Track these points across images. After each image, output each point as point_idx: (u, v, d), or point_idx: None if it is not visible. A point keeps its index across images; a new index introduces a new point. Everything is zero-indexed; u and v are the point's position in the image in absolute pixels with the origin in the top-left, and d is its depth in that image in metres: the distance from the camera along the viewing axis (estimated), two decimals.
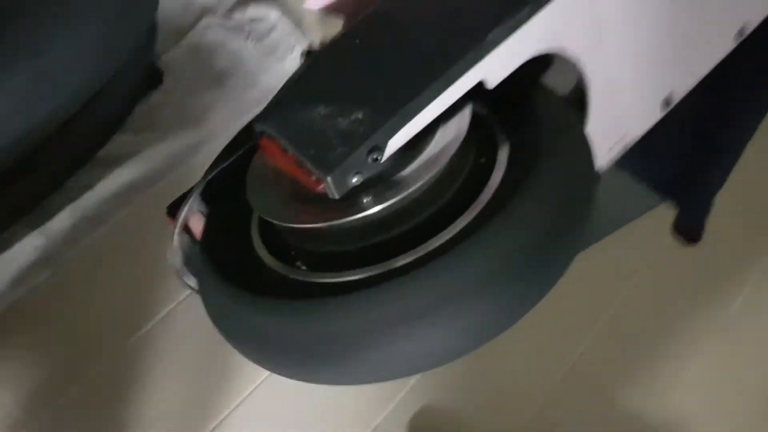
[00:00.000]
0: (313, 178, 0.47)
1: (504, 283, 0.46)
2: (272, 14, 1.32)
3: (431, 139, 0.52)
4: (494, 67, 0.51)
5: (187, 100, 1.20)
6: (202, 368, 1.04)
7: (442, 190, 0.52)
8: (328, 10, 0.57)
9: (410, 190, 0.49)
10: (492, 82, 0.51)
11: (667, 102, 0.70)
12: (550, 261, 0.49)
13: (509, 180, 0.51)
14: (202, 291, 0.58)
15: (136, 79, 1.15)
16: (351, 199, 0.49)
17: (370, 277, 0.48)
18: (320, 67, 0.52)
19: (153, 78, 1.21)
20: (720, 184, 0.86)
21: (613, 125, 0.66)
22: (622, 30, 0.61)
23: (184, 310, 1.07)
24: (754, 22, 0.76)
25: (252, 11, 1.32)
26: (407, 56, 0.50)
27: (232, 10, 1.32)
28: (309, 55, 0.56)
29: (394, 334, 0.45)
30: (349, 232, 0.51)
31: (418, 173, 0.50)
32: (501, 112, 0.56)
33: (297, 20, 1.35)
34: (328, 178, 0.46)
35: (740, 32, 0.75)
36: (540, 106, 0.55)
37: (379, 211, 0.49)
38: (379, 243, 0.51)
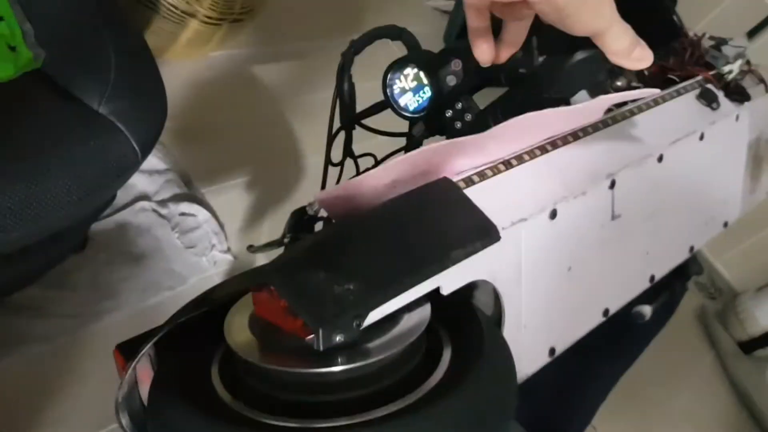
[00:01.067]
0: (304, 327, 0.56)
1: None
2: (201, 214, 1.45)
3: (396, 324, 0.63)
4: (450, 279, 0.65)
5: (103, 270, 1.24)
6: None
7: (396, 369, 0.62)
8: (325, 207, 0.71)
9: (374, 359, 0.59)
10: (446, 290, 0.66)
11: (552, 351, 0.87)
12: None
13: (452, 371, 0.62)
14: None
15: (74, 240, 1.19)
16: (322, 356, 0.59)
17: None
18: (325, 240, 0.64)
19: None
20: None
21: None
22: (531, 284, 0.79)
23: None
24: (614, 307, 0.97)
25: (184, 207, 1.44)
26: (395, 251, 0.63)
27: (167, 201, 1.43)
28: (325, 223, 0.67)
29: None
30: (314, 383, 0.59)
31: (384, 347, 0.61)
32: (447, 319, 0.69)
33: (221, 226, 1.48)
34: (320, 330, 0.55)
35: (605, 312, 0.96)
36: (478, 317, 0.69)
37: (344, 370, 0.58)
38: (335, 400, 0.59)
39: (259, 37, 1.94)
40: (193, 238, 1.39)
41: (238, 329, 0.64)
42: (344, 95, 0.86)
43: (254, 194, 1.57)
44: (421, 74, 0.74)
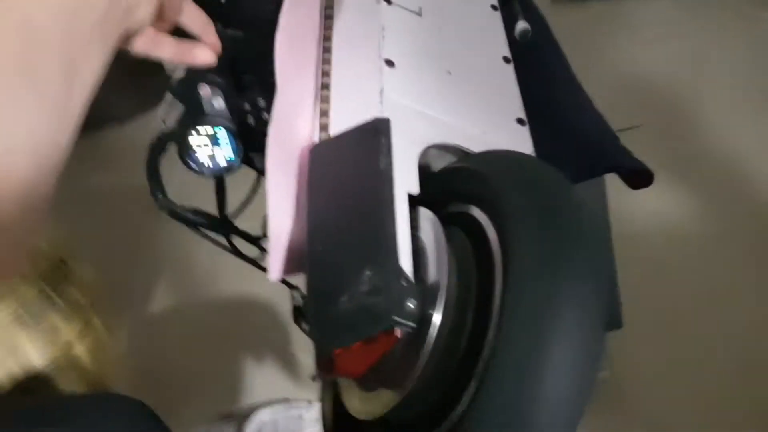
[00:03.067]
0: (387, 333, 0.54)
1: None
2: None
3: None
4: (402, 179, 0.63)
5: None
6: None
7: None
8: (285, 276, 0.68)
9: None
10: (414, 190, 0.64)
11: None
12: None
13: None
14: None
15: None
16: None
17: None
18: (314, 281, 0.61)
19: None
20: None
21: None
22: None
23: None
24: None
25: None
26: (356, 231, 0.61)
27: None
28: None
29: None
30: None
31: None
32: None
33: None
34: (394, 317, 0.53)
35: None
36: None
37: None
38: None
39: None
40: None
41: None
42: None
43: None
44: (199, 128, 0.71)
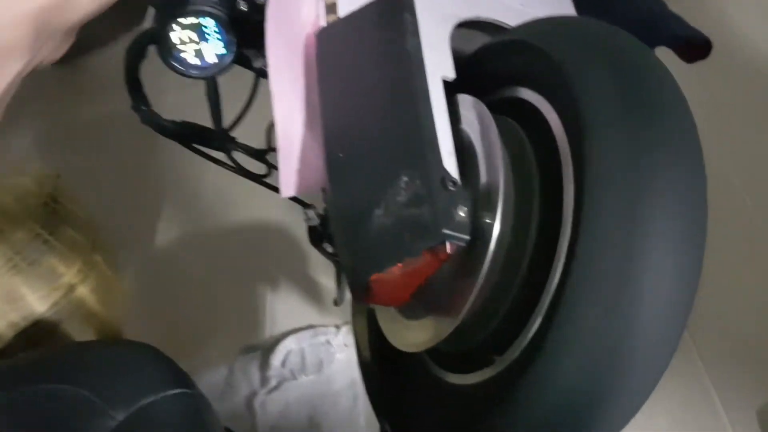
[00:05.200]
0: (434, 251, 0.43)
1: None
2: None
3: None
4: (434, 63, 0.51)
5: None
6: None
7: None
8: (300, 193, 0.57)
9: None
10: (449, 74, 0.52)
11: None
12: None
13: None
14: None
15: None
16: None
17: None
18: (339, 191, 0.50)
19: None
20: None
21: None
22: None
23: None
24: None
25: None
26: (384, 130, 0.49)
27: None
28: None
29: None
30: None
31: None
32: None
33: None
34: (443, 230, 0.42)
35: None
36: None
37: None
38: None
39: None
40: None
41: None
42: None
43: None
44: (181, 20, 0.58)
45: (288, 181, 0.56)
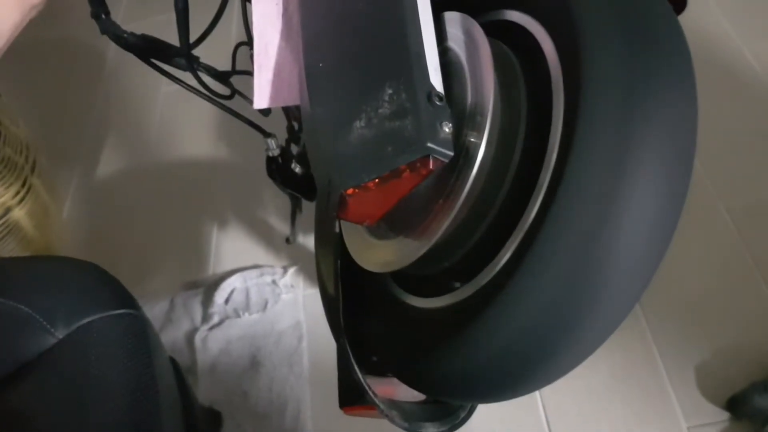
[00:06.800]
0: (417, 164, 0.42)
1: None
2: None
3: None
4: None
5: None
6: None
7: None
8: (274, 105, 0.55)
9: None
10: None
11: None
12: None
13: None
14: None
15: None
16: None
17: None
18: (317, 101, 0.48)
19: None
20: None
21: None
22: None
23: None
24: None
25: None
26: (368, 40, 0.47)
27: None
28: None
29: None
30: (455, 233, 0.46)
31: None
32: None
33: None
34: (428, 144, 0.41)
35: None
36: None
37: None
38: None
39: None
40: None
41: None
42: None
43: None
44: None
45: (262, 92, 0.53)
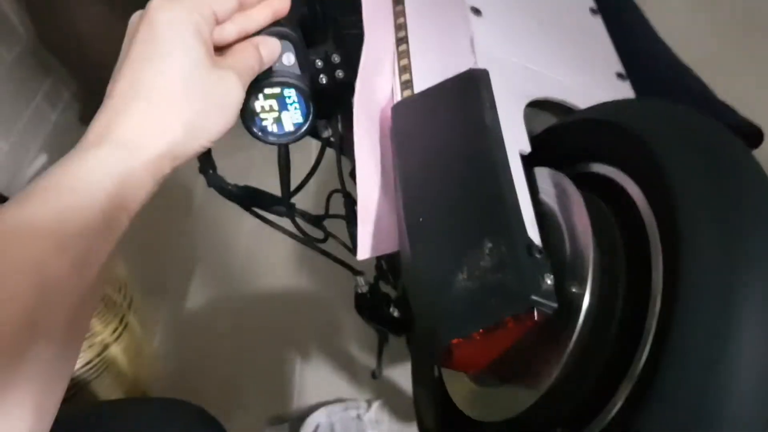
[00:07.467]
0: (519, 317, 0.44)
1: None
2: None
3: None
4: (510, 137, 0.53)
5: None
6: None
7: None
8: (375, 255, 0.58)
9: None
10: (525, 148, 0.54)
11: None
12: None
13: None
14: None
15: None
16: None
17: None
18: (419, 253, 0.51)
19: None
20: None
21: None
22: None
23: None
24: None
25: None
26: (466, 198, 0.51)
27: None
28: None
29: None
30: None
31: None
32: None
33: None
34: (531, 297, 0.43)
35: None
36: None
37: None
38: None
39: None
40: None
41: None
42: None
43: None
44: (266, 90, 0.61)
45: (365, 243, 0.57)
